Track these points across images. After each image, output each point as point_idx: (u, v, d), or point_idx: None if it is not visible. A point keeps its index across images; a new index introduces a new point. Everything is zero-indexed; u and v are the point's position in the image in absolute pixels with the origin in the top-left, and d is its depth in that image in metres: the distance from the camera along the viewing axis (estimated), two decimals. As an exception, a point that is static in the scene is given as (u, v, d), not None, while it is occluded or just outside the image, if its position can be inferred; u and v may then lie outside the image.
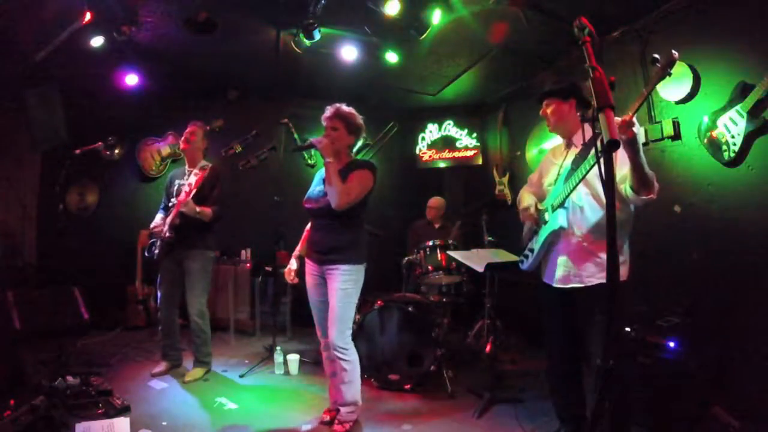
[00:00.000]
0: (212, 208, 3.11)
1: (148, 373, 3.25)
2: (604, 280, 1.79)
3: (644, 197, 1.80)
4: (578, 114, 2.08)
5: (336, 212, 2.33)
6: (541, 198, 2.27)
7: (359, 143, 2.59)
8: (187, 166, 3.29)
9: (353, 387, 2.48)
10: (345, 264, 2.41)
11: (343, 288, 2.40)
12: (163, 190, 3.36)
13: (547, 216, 2.14)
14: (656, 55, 1.60)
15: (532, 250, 2.25)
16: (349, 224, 2.44)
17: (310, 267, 2.57)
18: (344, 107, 2.50)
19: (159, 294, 3.29)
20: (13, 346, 3.11)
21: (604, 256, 1.84)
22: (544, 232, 2.13)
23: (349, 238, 2.44)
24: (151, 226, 3.24)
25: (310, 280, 2.56)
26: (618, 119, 1.60)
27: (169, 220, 3.06)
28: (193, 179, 3.02)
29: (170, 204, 3.17)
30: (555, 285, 2.08)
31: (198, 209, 3.00)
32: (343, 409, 2.50)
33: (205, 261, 3.23)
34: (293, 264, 2.69)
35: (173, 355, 3.34)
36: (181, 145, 3.28)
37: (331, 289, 2.43)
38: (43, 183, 4.47)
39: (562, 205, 2.03)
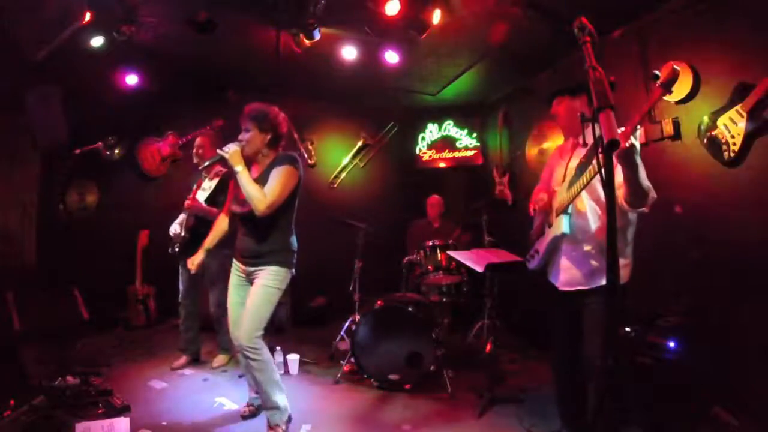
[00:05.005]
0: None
1: (148, 373, 3.26)
2: (605, 283, 1.79)
3: (636, 209, 1.80)
4: (579, 114, 2.07)
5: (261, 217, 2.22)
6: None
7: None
8: (203, 172, 3.46)
9: (272, 387, 2.31)
10: (273, 266, 2.33)
11: (266, 285, 2.30)
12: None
13: (552, 218, 2.17)
14: (657, 72, 1.55)
15: (537, 251, 2.28)
16: (276, 228, 2.34)
17: (236, 267, 2.47)
18: (253, 105, 2.37)
19: (180, 290, 3.44)
20: (13, 346, 3.11)
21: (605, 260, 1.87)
22: (548, 236, 2.17)
23: (277, 244, 2.35)
24: (170, 232, 3.41)
25: (234, 279, 2.46)
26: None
27: (182, 220, 3.31)
28: (214, 182, 3.34)
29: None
30: (559, 288, 2.12)
31: (204, 207, 3.22)
32: (267, 414, 2.37)
33: (222, 259, 3.32)
34: (200, 256, 2.66)
35: (192, 349, 3.48)
36: (197, 160, 3.42)
37: (254, 286, 2.33)
38: (43, 183, 4.46)
39: (565, 210, 2.06)
